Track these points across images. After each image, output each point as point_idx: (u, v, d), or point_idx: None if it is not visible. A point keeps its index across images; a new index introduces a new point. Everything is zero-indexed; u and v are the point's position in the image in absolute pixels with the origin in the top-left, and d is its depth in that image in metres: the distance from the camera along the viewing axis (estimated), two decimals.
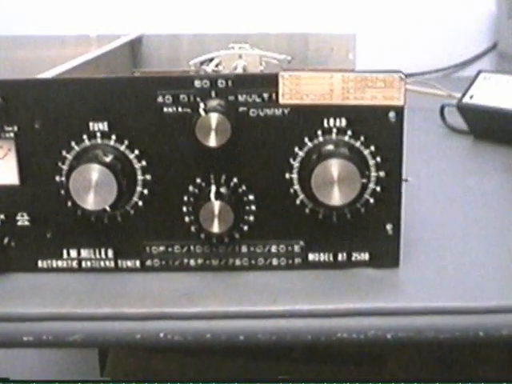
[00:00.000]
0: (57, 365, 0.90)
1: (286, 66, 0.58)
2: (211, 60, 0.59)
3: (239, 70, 0.55)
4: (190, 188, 0.38)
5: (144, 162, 0.37)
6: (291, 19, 0.83)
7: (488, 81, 0.64)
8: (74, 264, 0.39)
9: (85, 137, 0.37)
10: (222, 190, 0.37)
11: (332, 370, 0.66)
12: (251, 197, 0.38)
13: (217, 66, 0.58)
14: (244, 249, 0.38)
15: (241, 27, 0.78)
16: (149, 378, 0.68)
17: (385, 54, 0.92)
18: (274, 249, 0.38)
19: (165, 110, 0.37)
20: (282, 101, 0.36)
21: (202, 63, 0.59)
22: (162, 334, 0.35)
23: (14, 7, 0.88)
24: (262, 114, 0.36)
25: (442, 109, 0.68)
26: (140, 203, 0.38)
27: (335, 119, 0.36)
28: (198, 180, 0.38)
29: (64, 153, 0.37)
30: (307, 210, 0.38)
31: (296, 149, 0.37)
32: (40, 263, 0.39)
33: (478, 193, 0.51)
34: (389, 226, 0.38)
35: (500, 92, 0.62)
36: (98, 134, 0.37)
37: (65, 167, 0.37)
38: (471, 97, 0.63)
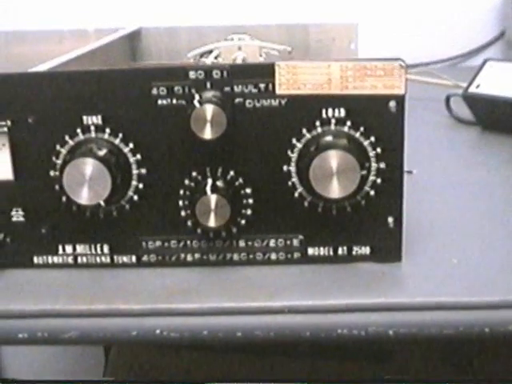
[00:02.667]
0: (61, 362, 0.90)
1: (287, 56, 0.57)
2: (210, 52, 0.58)
3: (238, 62, 0.55)
4: (186, 181, 0.37)
5: (139, 156, 0.37)
6: (292, 9, 0.82)
7: (495, 69, 0.63)
8: (70, 260, 0.38)
9: (79, 130, 0.36)
10: (219, 183, 0.36)
11: (336, 365, 0.66)
12: (248, 190, 0.37)
13: (216, 57, 0.57)
14: (242, 243, 0.38)
15: (240, 18, 0.77)
16: (152, 372, 0.67)
17: (390, 43, 0.91)
18: (272, 243, 0.38)
19: (159, 102, 0.36)
20: (278, 91, 0.35)
21: (201, 55, 0.58)
22: (158, 331, 0.34)
23: (11, 2, 0.87)
24: (258, 105, 0.36)
25: (447, 99, 0.67)
26: (135, 198, 0.37)
27: (334, 109, 0.35)
28: (194, 173, 0.37)
29: (58, 147, 0.37)
30: (306, 203, 0.37)
31: (294, 140, 0.36)
32: (36, 259, 0.39)
33: (484, 185, 0.50)
34: (390, 219, 0.37)
35: (507, 81, 0.61)
36: (92, 128, 0.36)
37: (59, 161, 0.37)
38: (477, 86, 0.62)
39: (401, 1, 0.92)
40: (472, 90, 0.62)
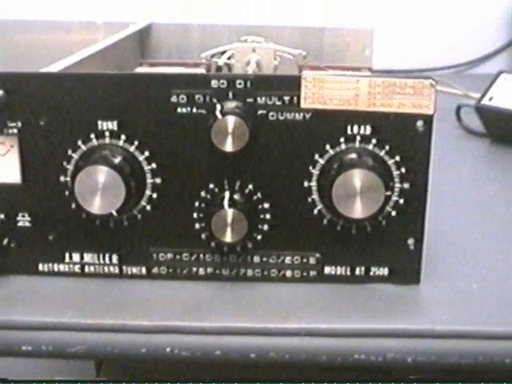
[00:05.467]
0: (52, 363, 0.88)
1: (302, 61, 0.56)
2: (223, 53, 0.56)
3: (252, 65, 0.53)
4: (202, 193, 0.36)
5: (154, 165, 0.35)
6: (306, 12, 0.80)
7: (508, 82, 0.62)
8: (77, 268, 0.37)
9: (92, 136, 0.35)
10: (236, 196, 0.35)
11: (332, 375, 0.65)
12: (266, 205, 0.36)
13: (229, 58, 0.56)
14: (256, 259, 0.36)
15: (253, 19, 0.76)
16: (146, 375, 0.66)
17: (398, 49, 0.90)
18: (288, 260, 0.36)
19: (179, 110, 0.34)
20: (303, 105, 0.34)
21: (213, 55, 0.57)
22: (168, 349, 0.33)
23: None
24: (281, 117, 0.34)
25: (457, 109, 0.66)
26: (148, 207, 0.36)
27: (359, 126, 0.34)
28: (211, 185, 0.35)
29: (70, 152, 0.35)
30: (325, 221, 0.36)
31: (316, 156, 0.35)
32: (41, 266, 0.37)
33: (498, 201, 0.49)
34: (410, 241, 0.36)
35: None
36: (107, 134, 0.35)
37: (70, 167, 0.35)
38: (490, 98, 0.61)
39: (408, 7, 0.91)
40: (485, 102, 0.61)
